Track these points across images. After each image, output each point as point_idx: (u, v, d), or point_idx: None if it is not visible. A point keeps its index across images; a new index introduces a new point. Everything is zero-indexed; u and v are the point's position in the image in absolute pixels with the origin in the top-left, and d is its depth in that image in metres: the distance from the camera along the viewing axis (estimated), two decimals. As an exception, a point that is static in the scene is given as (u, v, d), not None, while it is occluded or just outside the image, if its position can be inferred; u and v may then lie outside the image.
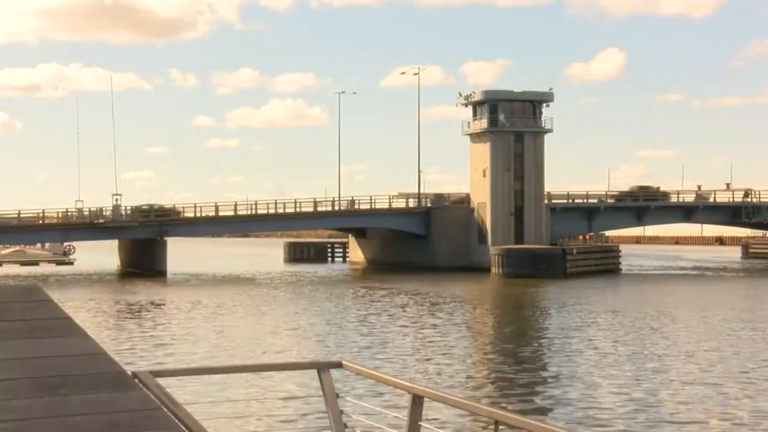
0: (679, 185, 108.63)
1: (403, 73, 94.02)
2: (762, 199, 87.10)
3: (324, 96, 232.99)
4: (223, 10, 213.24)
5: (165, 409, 5.17)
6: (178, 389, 17.56)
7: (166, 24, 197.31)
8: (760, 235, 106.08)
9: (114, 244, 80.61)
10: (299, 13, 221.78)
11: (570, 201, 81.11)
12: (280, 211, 78.91)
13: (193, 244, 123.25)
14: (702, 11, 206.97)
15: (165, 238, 72.52)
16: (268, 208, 78.60)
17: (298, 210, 79.42)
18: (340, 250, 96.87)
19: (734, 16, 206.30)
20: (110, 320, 37.92)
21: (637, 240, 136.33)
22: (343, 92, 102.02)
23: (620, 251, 78.89)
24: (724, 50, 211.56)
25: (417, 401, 6.09)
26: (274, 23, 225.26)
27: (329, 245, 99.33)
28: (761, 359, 26.10)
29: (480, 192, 75.98)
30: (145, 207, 75.34)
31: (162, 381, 5.73)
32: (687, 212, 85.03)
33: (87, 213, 74.50)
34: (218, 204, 77.52)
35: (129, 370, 5.60)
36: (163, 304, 43.97)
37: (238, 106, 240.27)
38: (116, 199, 74.43)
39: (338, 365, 6.89)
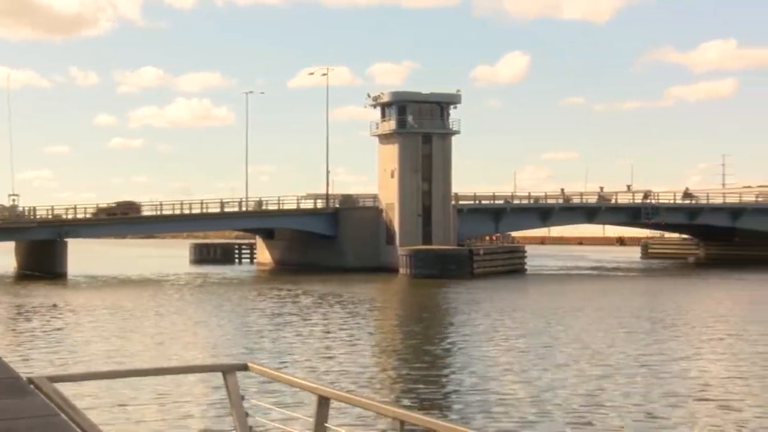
0: (583, 187, 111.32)
1: (312, 73, 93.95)
2: (661, 201, 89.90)
3: (231, 96, 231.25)
4: (125, 8, 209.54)
5: (63, 415, 5.02)
6: (78, 395, 17.11)
7: (66, 20, 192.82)
8: (659, 235, 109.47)
9: (11, 245, 78.14)
10: (204, 12, 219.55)
11: (477, 202, 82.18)
12: (186, 212, 77.76)
13: (96, 246, 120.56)
14: (602, 17, 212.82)
15: (65, 240, 70.73)
16: (173, 209, 77.38)
17: (204, 211, 78.43)
18: (248, 251, 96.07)
19: (633, 22, 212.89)
20: (3, 324, 36.69)
21: (542, 241, 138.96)
22: (250, 92, 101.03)
23: (526, 252, 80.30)
24: (625, 55, 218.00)
25: (323, 402, 6.07)
26: (179, 21, 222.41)
27: (236, 246, 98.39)
28: (647, 354, 26.94)
29: (388, 193, 76.32)
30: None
31: (60, 386, 5.57)
32: (590, 213, 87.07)
33: (-18, 213, 72.02)
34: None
35: (25, 375, 5.43)
36: (61, 307, 42.78)
37: (142, 105, 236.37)
38: (13, 200, 72.19)
39: (244, 368, 6.82)
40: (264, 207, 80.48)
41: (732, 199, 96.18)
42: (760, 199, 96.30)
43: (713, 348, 29.15)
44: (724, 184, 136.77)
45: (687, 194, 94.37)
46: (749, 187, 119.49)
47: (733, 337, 31.78)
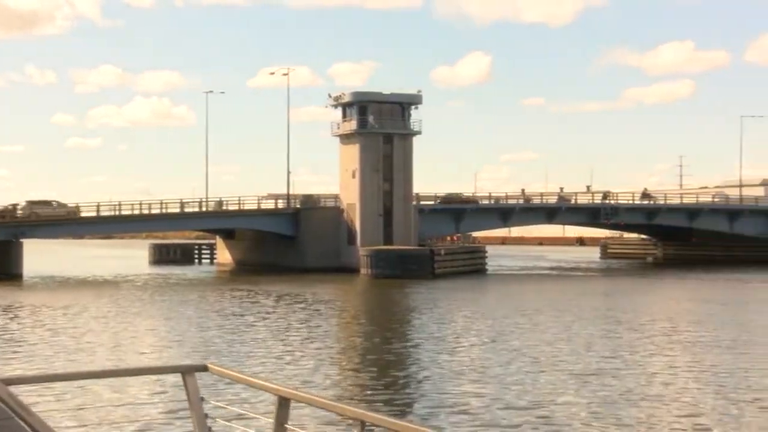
0: (543, 187, 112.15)
1: (273, 73, 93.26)
2: (619, 201, 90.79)
3: (190, 95, 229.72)
4: (83, 5, 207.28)
5: (17, 419, 4.92)
6: (35, 398, 16.86)
7: (22, 18, 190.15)
8: (617, 235, 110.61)
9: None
10: (164, 10, 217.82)
11: (438, 202, 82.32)
12: (146, 212, 77.00)
13: (53, 246, 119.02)
14: (561, 20, 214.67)
15: (21, 240, 69.74)
16: (132, 209, 76.58)
17: (164, 211, 77.75)
18: (208, 251, 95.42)
19: (591, 24, 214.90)
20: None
21: (503, 241, 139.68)
22: (210, 92, 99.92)
23: (486, 252, 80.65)
24: (583, 57, 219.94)
25: (283, 403, 6.02)
26: (138, 20, 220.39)
27: (196, 246, 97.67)
28: (599, 355, 27.20)
29: (349, 193, 76.25)
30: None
31: (15, 389, 5.45)
32: (550, 214, 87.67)
33: (-65, 213, 70.76)
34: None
35: (-23, 378, 5.30)
36: (16, 308, 42.16)
37: (100, 104, 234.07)
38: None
39: (203, 368, 6.74)
40: (224, 207, 79.97)
41: (689, 200, 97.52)
42: (716, 200, 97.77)
43: (664, 347, 29.48)
44: (681, 185, 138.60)
45: (645, 195, 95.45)
46: (706, 187, 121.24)
47: (682, 334, 32.20)
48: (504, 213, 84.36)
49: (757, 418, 18.72)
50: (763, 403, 20.12)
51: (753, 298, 51.15)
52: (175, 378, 6.72)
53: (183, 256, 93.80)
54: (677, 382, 22.87)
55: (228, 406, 11.29)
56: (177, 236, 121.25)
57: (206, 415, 6.53)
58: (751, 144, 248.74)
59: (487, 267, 77.85)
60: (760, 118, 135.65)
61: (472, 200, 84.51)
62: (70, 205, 75.37)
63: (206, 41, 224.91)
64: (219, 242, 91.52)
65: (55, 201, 75.33)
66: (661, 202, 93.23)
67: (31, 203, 73.84)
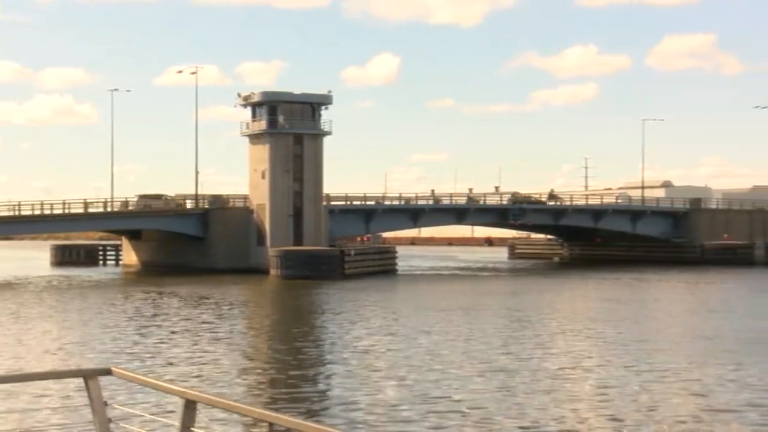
0: (452, 188, 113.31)
1: (180, 71, 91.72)
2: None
3: (95, 93, 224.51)
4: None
5: None
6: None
7: None
8: (525, 236, 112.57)
9: None
10: (66, 6, 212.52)
11: (348, 203, 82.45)
12: (47, 212, 74.89)
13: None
14: (470, 21, 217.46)
15: None
16: (33, 209, 74.39)
17: (67, 211, 75.77)
18: (113, 252, 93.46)
19: (500, 27, 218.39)
20: None
21: (413, 241, 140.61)
22: (116, 90, 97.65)
23: (396, 252, 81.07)
24: (492, 59, 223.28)
25: (190, 406, 5.90)
26: (39, 15, 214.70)
27: (101, 247, 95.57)
28: (497, 348, 27.64)
29: (259, 193, 75.69)
30: None
31: None
32: (459, 214, 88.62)
33: None
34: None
35: None
36: None
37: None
38: None
39: (107, 372, 6.55)
40: (130, 207, 78.44)
41: (594, 201, 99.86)
42: (619, 201, 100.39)
43: (560, 343, 30.09)
44: (587, 186, 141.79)
45: (552, 196, 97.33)
46: (610, 189, 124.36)
47: (581, 329, 32.96)
48: (414, 213, 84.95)
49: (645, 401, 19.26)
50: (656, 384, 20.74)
51: (649, 296, 52.72)
52: (78, 382, 6.52)
53: (87, 257, 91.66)
54: (565, 371, 23.36)
55: (132, 411, 11.01)
56: (80, 237, 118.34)
57: (110, 420, 6.37)
58: (652, 146, 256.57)
59: (397, 267, 78.23)
60: (661, 122, 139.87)
61: (539, 201, 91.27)
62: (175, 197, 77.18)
63: (111, 38, 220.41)
64: (125, 243, 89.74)
65: (165, 195, 75.98)
66: (568, 203, 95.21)
67: (143, 197, 74.10)
